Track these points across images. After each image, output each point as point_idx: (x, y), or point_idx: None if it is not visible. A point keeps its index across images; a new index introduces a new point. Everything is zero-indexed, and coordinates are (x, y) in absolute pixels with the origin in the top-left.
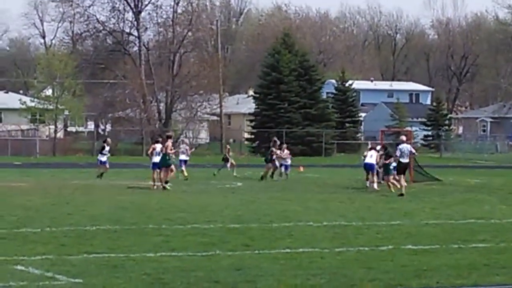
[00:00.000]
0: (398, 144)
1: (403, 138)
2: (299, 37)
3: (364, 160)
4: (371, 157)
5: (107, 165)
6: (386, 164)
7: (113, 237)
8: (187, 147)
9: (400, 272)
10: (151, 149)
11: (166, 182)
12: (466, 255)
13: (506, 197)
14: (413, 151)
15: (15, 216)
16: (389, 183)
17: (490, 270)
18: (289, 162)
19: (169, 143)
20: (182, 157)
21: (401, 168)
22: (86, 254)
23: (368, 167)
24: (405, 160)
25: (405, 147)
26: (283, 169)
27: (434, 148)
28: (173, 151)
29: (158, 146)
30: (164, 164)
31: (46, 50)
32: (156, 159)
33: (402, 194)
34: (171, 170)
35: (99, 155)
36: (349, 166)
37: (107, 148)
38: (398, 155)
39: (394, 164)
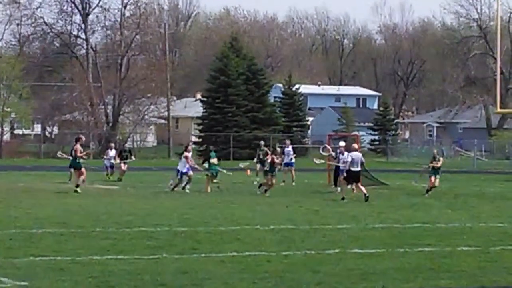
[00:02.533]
0: (349, 152)
1: (355, 146)
2: (247, 41)
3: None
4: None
5: (113, 169)
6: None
7: (60, 240)
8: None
9: (347, 276)
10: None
11: (77, 186)
12: (412, 259)
13: (452, 201)
14: (363, 160)
15: None
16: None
17: (436, 274)
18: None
19: (78, 146)
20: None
21: (352, 176)
22: (32, 257)
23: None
24: (355, 168)
25: (357, 155)
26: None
27: (380, 153)
28: (83, 153)
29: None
30: (75, 166)
31: None
32: None
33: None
34: (80, 174)
35: (105, 160)
36: (296, 170)
37: (110, 152)
38: (349, 161)
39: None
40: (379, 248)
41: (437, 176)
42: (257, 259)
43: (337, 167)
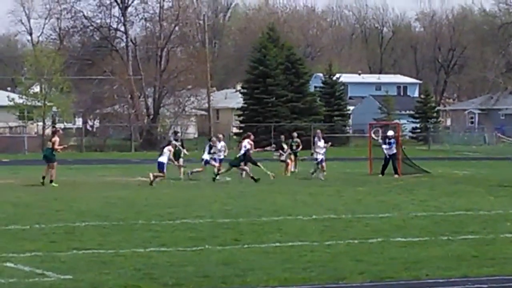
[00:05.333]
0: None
1: None
2: (286, 31)
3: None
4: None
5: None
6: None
7: (102, 233)
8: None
9: (390, 265)
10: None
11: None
12: (455, 247)
13: (494, 188)
14: None
15: (4, 213)
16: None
17: (479, 261)
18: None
19: (56, 138)
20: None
21: None
22: (75, 250)
23: None
24: None
25: None
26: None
27: (422, 141)
28: (60, 147)
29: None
30: (50, 159)
31: (33, 46)
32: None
33: None
34: (52, 167)
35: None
36: (337, 160)
37: (218, 145)
38: None
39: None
40: (422, 236)
41: None
42: (300, 249)
43: (385, 156)
